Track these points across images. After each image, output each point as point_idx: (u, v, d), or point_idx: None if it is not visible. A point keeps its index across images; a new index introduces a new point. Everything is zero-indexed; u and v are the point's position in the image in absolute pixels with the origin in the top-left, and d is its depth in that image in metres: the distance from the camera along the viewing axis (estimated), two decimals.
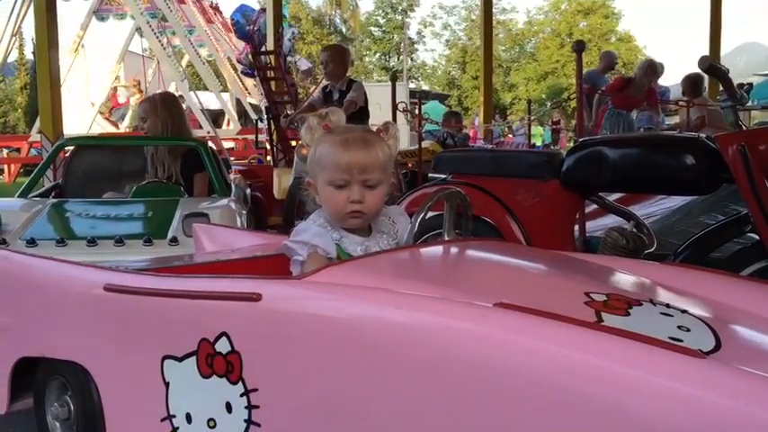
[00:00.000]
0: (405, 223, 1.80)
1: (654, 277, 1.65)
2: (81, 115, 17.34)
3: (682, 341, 1.20)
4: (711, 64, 2.54)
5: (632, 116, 7.21)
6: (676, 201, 3.56)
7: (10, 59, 17.00)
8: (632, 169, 2.83)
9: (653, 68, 7.07)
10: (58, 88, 6.67)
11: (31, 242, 2.94)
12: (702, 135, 2.76)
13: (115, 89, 17.38)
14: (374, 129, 1.78)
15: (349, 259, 1.65)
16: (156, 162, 4.01)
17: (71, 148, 4.65)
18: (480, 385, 1.15)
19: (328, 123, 1.74)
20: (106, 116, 17.48)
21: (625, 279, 1.65)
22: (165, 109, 4.05)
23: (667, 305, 1.42)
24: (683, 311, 1.39)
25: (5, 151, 17.12)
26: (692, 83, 6.63)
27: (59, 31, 6.70)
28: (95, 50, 19.72)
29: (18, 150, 16.08)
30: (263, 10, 8.52)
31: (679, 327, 1.29)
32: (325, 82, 5.36)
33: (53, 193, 4.09)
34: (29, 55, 29.47)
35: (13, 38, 15.76)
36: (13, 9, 14.95)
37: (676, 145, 2.78)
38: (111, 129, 16.38)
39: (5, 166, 15.48)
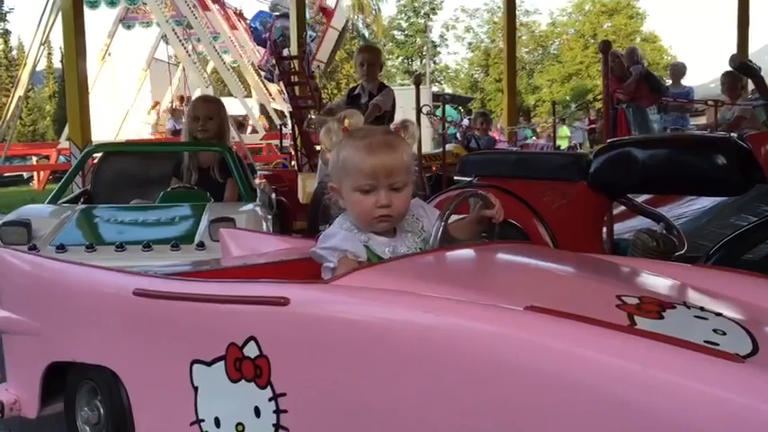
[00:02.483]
0: (428, 215, 1.79)
1: (686, 280, 1.62)
2: (109, 122, 17.59)
3: (718, 345, 1.17)
4: (743, 62, 2.50)
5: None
6: (706, 202, 3.51)
7: (39, 68, 17.26)
8: (662, 170, 2.78)
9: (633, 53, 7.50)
10: (86, 96, 6.76)
11: (61, 248, 2.97)
12: (734, 134, 2.71)
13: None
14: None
15: (377, 263, 1.64)
16: (191, 167, 4.03)
17: (99, 154, 4.71)
18: (511, 389, 1.14)
19: (347, 127, 1.73)
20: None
21: (657, 282, 1.62)
22: (225, 113, 4.26)
23: (701, 308, 1.39)
24: (718, 314, 1.36)
25: (35, 159, 17.42)
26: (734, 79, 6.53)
27: (87, 39, 6.79)
28: (122, 58, 20.01)
29: (47, 158, 16.36)
30: (279, 16, 8.57)
31: (714, 330, 1.27)
32: (357, 82, 5.35)
33: (82, 199, 4.14)
34: (57, 63, 29.94)
35: (42, 47, 16.00)
36: (41, 18, 15.19)
37: (707, 145, 2.74)
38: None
39: (35, 173, 15.74)
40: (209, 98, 4.73)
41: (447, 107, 6.64)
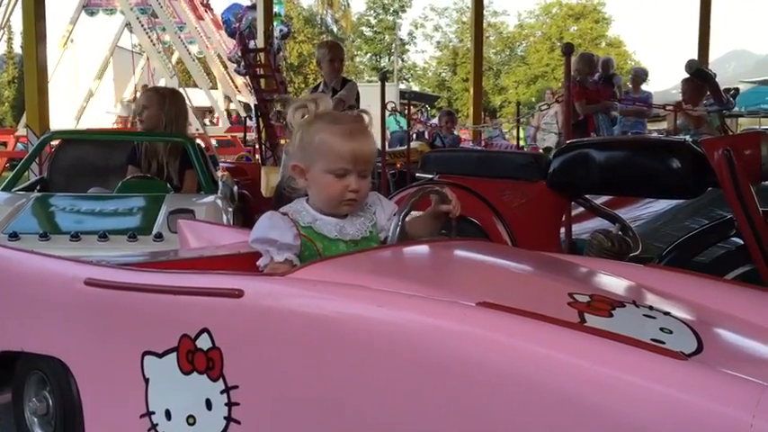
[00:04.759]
0: (382, 204, 1.83)
1: (638, 280, 1.65)
2: (68, 109, 17.25)
3: (664, 343, 1.20)
4: (699, 68, 2.55)
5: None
6: (662, 205, 3.58)
7: None
8: (619, 172, 2.83)
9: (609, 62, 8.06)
10: (45, 82, 6.62)
11: (14, 236, 2.90)
12: (688, 139, 2.77)
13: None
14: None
15: (333, 256, 1.64)
16: (149, 156, 3.95)
17: (57, 142, 4.61)
18: (461, 383, 1.14)
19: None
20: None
21: (609, 281, 1.64)
22: (172, 105, 3.97)
23: (650, 307, 1.42)
24: (666, 313, 1.39)
25: None
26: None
27: (48, 25, 6.65)
28: (84, 45, 19.60)
29: (5, 144, 15.97)
30: (249, 7, 8.50)
31: (661, 329, 1.29)
32: (321, 78, 5.29)
33: (38, 187, 4.05)
34: (17, 48, 29.24)
35: (1, 31, 15.62)
36: (1, 2, 14.83)
37: (663, 148, 2.79)
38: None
39: None
40: (155, 87, 4.54)
41: (390, 118, 6.55)
